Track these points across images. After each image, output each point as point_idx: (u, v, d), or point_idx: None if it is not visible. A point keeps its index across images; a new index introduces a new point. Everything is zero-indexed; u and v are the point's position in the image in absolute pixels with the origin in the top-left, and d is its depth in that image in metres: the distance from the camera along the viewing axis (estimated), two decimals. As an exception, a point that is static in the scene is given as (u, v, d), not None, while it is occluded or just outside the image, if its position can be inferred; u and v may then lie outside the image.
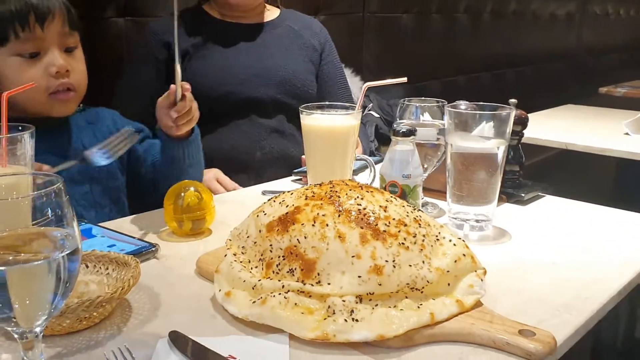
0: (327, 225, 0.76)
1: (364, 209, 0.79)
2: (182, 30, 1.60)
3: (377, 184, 1.09)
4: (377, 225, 0.77)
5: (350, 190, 0.82)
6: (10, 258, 0.57)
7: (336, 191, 0.81)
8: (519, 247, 1.05)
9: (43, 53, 1.12)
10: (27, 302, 0.58)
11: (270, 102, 1.63)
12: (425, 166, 1.19)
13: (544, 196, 1.33)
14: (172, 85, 1.12)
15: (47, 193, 0.58)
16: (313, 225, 0.77)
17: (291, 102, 1.64)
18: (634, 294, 1.89)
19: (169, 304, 0.82)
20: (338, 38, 2.47)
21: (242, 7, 1.66)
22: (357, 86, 2.26)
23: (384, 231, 0.77)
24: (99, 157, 1.03)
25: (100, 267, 0.84)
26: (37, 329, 0.61)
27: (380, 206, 0.80)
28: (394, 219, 0.79)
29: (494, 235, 1.10)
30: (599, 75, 4.36)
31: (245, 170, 1.59)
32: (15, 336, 0.61)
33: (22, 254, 0.59)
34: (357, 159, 1.21)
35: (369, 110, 2.39)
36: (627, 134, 2.08)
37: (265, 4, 1.75)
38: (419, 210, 0.85)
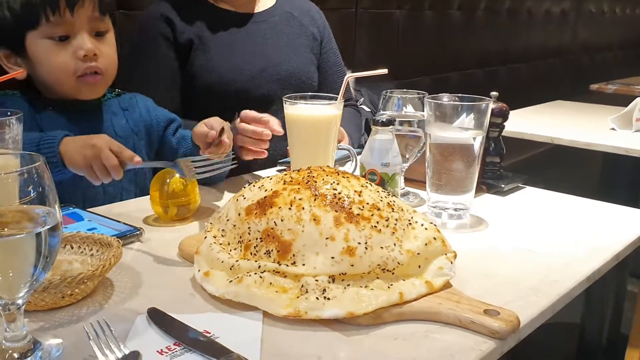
0: (303, 208, 0.79)
1: (339, 193, 0.82)
2: (181, 15, 1.56)
3: (358, 173, 1.11)
4: (351, 209, 0.80)
5: (327, 175, 0.85)
6: (6, 231, 0.60)
7: (313, 176, 0.84)
8: (494, 235, 1.08)
9: (73, 37, 1.14)
10: (10, 274, 0.62)
11: (277, 98, 1.58)
12: (407, 156, 1.22)
13: (524, 187, 1.36)
14: (212, 132, 1.12)
15: (29, 171, 0.61)
16: (290, 208, 0.80)
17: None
18: (618, 289, 1.93)
19: (150, 283, 0.85)
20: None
21: None
22: (350, 80, 2.30)
23: (358, 214, 0.80)
24: (188, 169, 1.02)
25: (84, 248, 0.87)
26: (19, 301, 0.64)
27: (355, 191, 0.83)
28: (367, 203, 0.82)
29: (471, 224, 1.13)
30: (593, 73, 4.40)
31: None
32: (-1, 308, 0.64)
33: (5, 229, 0.62)
34: (339, 149, 1.24)
35: (360, 105, 2.42)
36: (613, 129, 2.11)
37: None
38: (393, 196, 0.88)
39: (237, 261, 0.80)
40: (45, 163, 0.63)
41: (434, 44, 3.16)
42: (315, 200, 0.80)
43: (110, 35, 1.21)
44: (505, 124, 1.34)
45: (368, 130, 2.32)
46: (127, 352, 0.65)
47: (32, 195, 0.62)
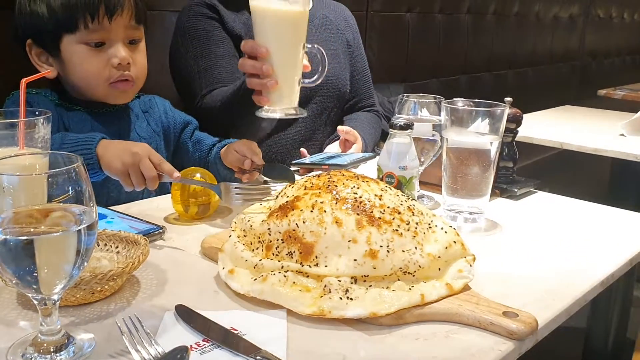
0: (324, 211, 0.81)
1: (360, 197, 0.84)
2: (227, 6, 1.56)
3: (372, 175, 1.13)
4: (372, 212, 0.82)
5: (347, 180, 0.87)
6: (39, 229, 0.62)
7: (334, 181, 0.86)
8: (509, 238, 1.10)
9: (108, 44, 1.16)
10: (50, 270, 0.63)
11: (313, 102, 1.61)
12: (422, 160, 1.24)
13: (536, 192, 1.38)
14: (248, 160, 1.14)
15: (69, 171, 0.63)
16: (311, 211, 0.82)
17: (330, 104, 1.61)
18: (625, 294, 1.94)
19: (175, 280, 0.87)
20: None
21: None
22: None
23: (379, 218, 0.81)
24: (227, 194, 1.04)
25: (110, 246, 0.89)
26: (55, 297, 0.66)
27: (375, 195, 0.85)
28: (388, 207, 0.84)
29: (485, 227, 1.14)
30: (601, 78, 4.41)
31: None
32: (35, 302, 0.66)
33: (43, 227, 0.64)
34: (350, 153, 1.26)
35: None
36: (622, 135, 2.12)
37: None
38: (413, 199, 0.90)
39: (260, 260, 0.82)
40: (83, 164, 0.65)
41: (443, 47, 3.18)
42: (336, 203, 0.82)
43: (143, 43, 1.23)
44: (518, 129, 1.36)
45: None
46: (158, 348, 0.67)
47: (70, 194, 0.64)
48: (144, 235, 0.92)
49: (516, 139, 1.38)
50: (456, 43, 3.29)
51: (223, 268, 0.85)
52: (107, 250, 0.89)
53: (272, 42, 1.05)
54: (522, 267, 0.97)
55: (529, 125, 2.20)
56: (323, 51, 1.11)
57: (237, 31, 1.56)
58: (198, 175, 1.10)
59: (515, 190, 1.32)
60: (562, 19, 4.20)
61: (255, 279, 0.81)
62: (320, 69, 1.12)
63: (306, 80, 1.12)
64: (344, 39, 1.74)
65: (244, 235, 0.88)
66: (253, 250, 0.85)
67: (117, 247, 0.89)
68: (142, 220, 1.05)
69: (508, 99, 1.37)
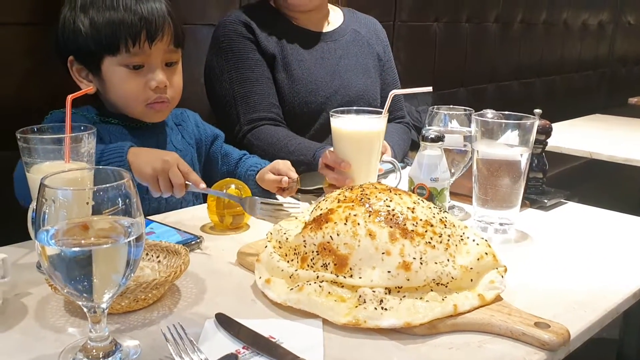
0: (358, 224, 0.84)
1: (393, 210, 0.86)
2: (260, 25, 1.60)
3: (403, 186, 1.15)
4: (405, 225, 0.84)
5: (379, 192, 0.89)
6: (90, 240, 0.66)
7: (366, 194, 0.89)
8: (539, 249, 1.11)
9: (147, 66, 1.20)
10: (100, 280, 0.67)
11: None
12: (453, 171, 1.25)
13: (566, 203, 1.38)
14: (285, 178, 1.20)
15: (119, 185, 0.66)
16: (345, 223, 0.84)
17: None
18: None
19: (213, 289, 0.90)
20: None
21: (299, 8, 1.64)
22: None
23: (412, 230, 0.83)
24: (252, 207, 1.07)
25: (152, 255, 0.93)
26: (104, 305, 0.69)
27: (408, 207, 0.87)
28: (421, 219, 0.86)
29: (515, 238, 1.16)
30: (631, 85, 4.36)
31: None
32: (85, 310, 0.70)
33: (94, 239, 0.67)
34: (383, 162, 1.28)
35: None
36: (654, 144, 2.11)
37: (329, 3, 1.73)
38: (445, 212, 0.92)
39: (296, 270, 0.85)
40: (132, 178, 0.68)
41: (471, 56, 3.19)
42: (369, 216, 0.85)
43: (179, 65, 1.27)
44: (548, 140, 1.37)
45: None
46: (201, 355, 0.70)
47: (119, 206, 0.67)
48: (184, 244, 0.96)
49: (545, 149, 1.39)
50: (483, 52, 3.29)
51: (260, 277, 0.88)
52: (149, 259, 0.92)
53: (350, 156, 1.22)
54: (553, 278, 0.98)
55: (558, 134, 2.19)
56: (396, 162, 1.31)
57: (270, 51, 1.60)
58: (232, 187, 1.13)
59: (545, 201, 1.33)
60: (591, 26, 4.17)
61: (292, 289, 0.83)
62: (395, 177, 1.29)
63: (382, 181, 1.30)
64: (374, 53, 1.77)
65: (279, 247, 0.91)
66: (288, 261, 0.88)
67: (158, 257, 0.93)
68: (180, 230, 1.08)
69: (537, 110, 1.39)
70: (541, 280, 0.97)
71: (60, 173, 0.73)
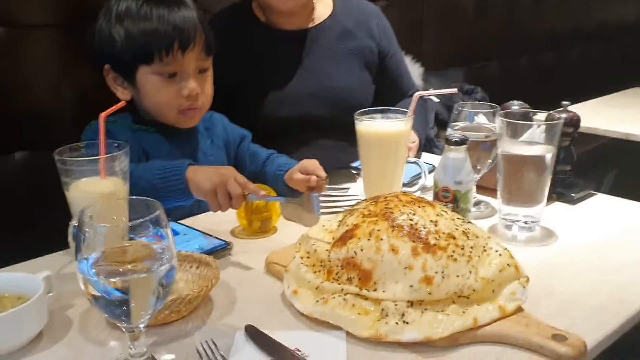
0: (381, 239, 0.87)
1: (416, 224, 0.88)
2: (229, 30, 1.55)
3: (429, 194, 1.17)
4: (427, 239, 0.86)
5: (403, 206, 0.92)
6: (127, 267, 0.70)
7: (390, 208, 0.91)
8: (563, 248, 1.12)
9: (179, 74, 1.23)
10: (137, 304, 0.72)
11: (328, 119, 1.60)
12: (479, 167, 1.26)
13: (595, 194, 1.38)
14: (314, 177, 1.22)
15: (151, 219, 0.70)
16: (369, 239, 0.87)
17: (347, 120, 1.51)
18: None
19: (243, 298, 0.95)
20: (397, 26, 2.51)
21: (287, 12, 1.58)
22: (416, 73, 2.32)
23: (434, 244, 0.86)
24: (316, 205, 1.08)
25: (185, 265, 0.97)
26: (142, 325, 0.74)
27: (431, 221, 0.89)
28: (443, 232, 0.88)
29: (540, 237, 1.17)
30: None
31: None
32: (124, 330, 0.75)
33: (130, 266, 0.72)
34: (409, 162, 1.30)
35: (429, 96, 2.44)
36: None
37: None
38: (468, 222, 0.94)
39: (321, 282, 0.89)
40: (162, 209, 0.72)
41: (502, 28, 3.12)
42: (392, 231, 0.87)
43: (210, 71, 1.30)
44: (576, 133, 1.36)
45: (437, 123, 2.37)
46: (232, 370, 0.75)
47: (151, 234, 0.72)
48: (213, 252, 1.03)
49: (573, 142, 1.38)
50: (516, 22, 3.21)
51: (288, 287, 0.92)
52: (183, 269, 0.97)
53: (374, 159, 1.24)
54: (575, 281, 1.00)
55: (589, 113, 2.12)
56: (422, 163, 1.30)
57: (230, 79, 1.52)
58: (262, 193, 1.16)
59: (573, 195, 1.33)
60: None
61: (318, 301, 0.87)
62: (420, 179, 1.31)
63: (407, 189, 1.32)
64: (364, 47, 1.67)
65: (308, 257, 0.95)
66: (316, 272, 0.92)
67: (191, 267, 0.97)
68: (211, 235, 1.12)
69: (565, 102, 1.38)
70: (562, 283, 0.99)
71: (96, 204, 0.77)
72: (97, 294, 0.70)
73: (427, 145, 2.20)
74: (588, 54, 3.70)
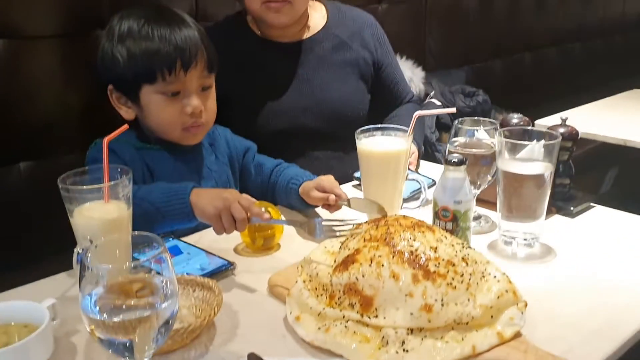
0: (382, 265, 0.88)
1: (416, 250, 0.89)
2: (225, 43, 1.53)
3: (429, 207, 1.18)
4: (427, 266, 0.88)
5: (403, 231, 0.93)
6: (129, 302, 0.72)
7: (391, 232, 0.92)
8: (562, 266, 1.14)
9: (182, 93, 1.24)
10: (140, 340, 0.73)
11: (324, 133, 1.61)
12: (479, 183, 1.27)
13: (594, 206, 1.39)
14: (332, 196, 1.23)
15: (155, 257, 0.72)
16: (370, 265, 0.88)
17: (343, 131, 1.57)
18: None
19: (246, 323, 0.96)
20: (400, 27, 2.52)
21: (281, 27, 1.59)
22: (418, 77, 2.32)
23: (434, 272, 0.87)
24: (319, 230, 1.10)
25: (188, 289, 0.99)
26: (146, 359, 0.76)
27: (431, 247, 0.90)
28: (443, 259, 0.89)
29: (540, 254, 1.18)
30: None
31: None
32: (129, 362, 0.76)
33: (139, 300, 0.73)
34: (409, 179, 1.31)
35: (431, 99, 2.43)
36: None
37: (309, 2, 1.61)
38: (467, 247, 0.95)
39: (324, 308, 0.90)
40: (164, 246, 0.73)
41: (505, 26, 3.12)
42: (393, 257, 0.89)
43: (213, 88, 1.31)
44: (574, 147, 1.37)
45: (438, 126, 2.37)
46: (235, 402, 0.76)
47: (154, 271, 0.73)
48: (216, 274, 1.05)
49: (572, 155, 1.39)
50: (518, 19, 3.21)
51: (290, 313, 0.94)
52: (186, 294, 0.98)
53: (375, 176, 1.25)
54: (572, 302, 1.01)
55: (586, 118, 2.09)
56: (423, 180, 1.33)
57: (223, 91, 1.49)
58: (263, 210, 1.17)
59: (572, 208, 1.34)
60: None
61: (319, 328, 0.89)
62: (421, 196, 1.33)
63: (409, 206, 1.34)
64: (359, 58, 1.68)
65: (310, 280, 0.96)
66: (318, 296, 0.93)
67: (194, 291, 0.99)
68: (214, 255, 1.14)
69: (563, 117, 1.39)
70: (560, 305, 1.00)
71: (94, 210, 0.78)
72: (103, 337, 0.72)
73: (429, 150, 2.21)
74: (591, 51, 3.69)
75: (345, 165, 1.60)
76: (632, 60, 3.89)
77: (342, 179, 1.55)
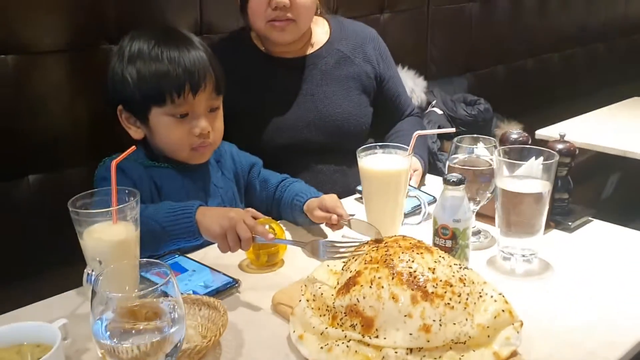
0: (382, 287, 0.91)
1: (414, 271, 0.92)
2: (229, 59, 1.52)
3: (430, 222, 1.20)
4: (425, 287, 0.90)
5: (402, 252, 0.95)
6: (138, 326, 0.75)
7: (390, 254, 0.95)
8: (560, 282, 1.16)
9: (191, 114, 1.27)
10: (148, 365, 0.76)
11: (327, 147, 1.64)
12: (478, 199, 1.29)
13: (592, 221, 1.41)
14: (334, 216, 1.26)
15: (163, 286, 0.74)
16: (370, 286, 0.91)
17: (346, 145, 1.58)
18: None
19: (250, 341, 0.99)
20: (402, 35, 2.54)
21: (285, 44, 1.62)
22: (420, 87, 2.35)
23: (432, 292, 0.90)
24: (322, 251, 1.10)
25: (195, 308, 1.02)
26: (154, 381, 0.79)
27: (429, 268, 0.93)
28: (441, 280, 0.92)
29: (538, 269, 1.21)
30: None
31: None
32: (138, 384, 0.79)
33: (142, 326, 0.76)
34: (410, 196, 1.33)
35: (432, 107, 2.46)
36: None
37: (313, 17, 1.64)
38: (465, 268, 0.97)
39: (326, 328, 0.93)
40: (172, 273, 0.76)
41: (508, 32, 3.14)
42: (392, 279, 0.91)
43: (220, 109, 1.33)
44: (573, 163, 1.39)
45: (440, 135, 2.39)
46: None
47: (162, 296, 0.76)
48: (221, 292, 1.08)
49: (570, 171, 1.41)
50: (521, 25, 3.22)
51: (294, 332, 0.96)
52: (192, 314, 1.01)
53: (376, 194, 1.28)
54: (569, 319, 1.04)
55: (585, 127, 2.08)
56: (422, 197, 1.36)
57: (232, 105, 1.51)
58: (266, 227, 1.19)
59: (570, 223, 1.37)
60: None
61: (322, 347, 0.91)
62: (422, 213, 1.34)
63: (410, 221, 1.37)
64: (361, 73, 1.70)
65: (313, 300, 0.99)
66: (321, 315, 0.96)
67: (200, 310, 1.01)
68: (219, 271, 1.17)
69: (562, 133, 1.41)
70: (557, 323, 1.03)
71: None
72: (111, 353, 0.75)
73: (430, 159, 2.22)
74: (594, 56, 3.70)
75: (349, 179, 1.63)
76: (635, 63, 3.90)
77: (345, 192, 1.59)
